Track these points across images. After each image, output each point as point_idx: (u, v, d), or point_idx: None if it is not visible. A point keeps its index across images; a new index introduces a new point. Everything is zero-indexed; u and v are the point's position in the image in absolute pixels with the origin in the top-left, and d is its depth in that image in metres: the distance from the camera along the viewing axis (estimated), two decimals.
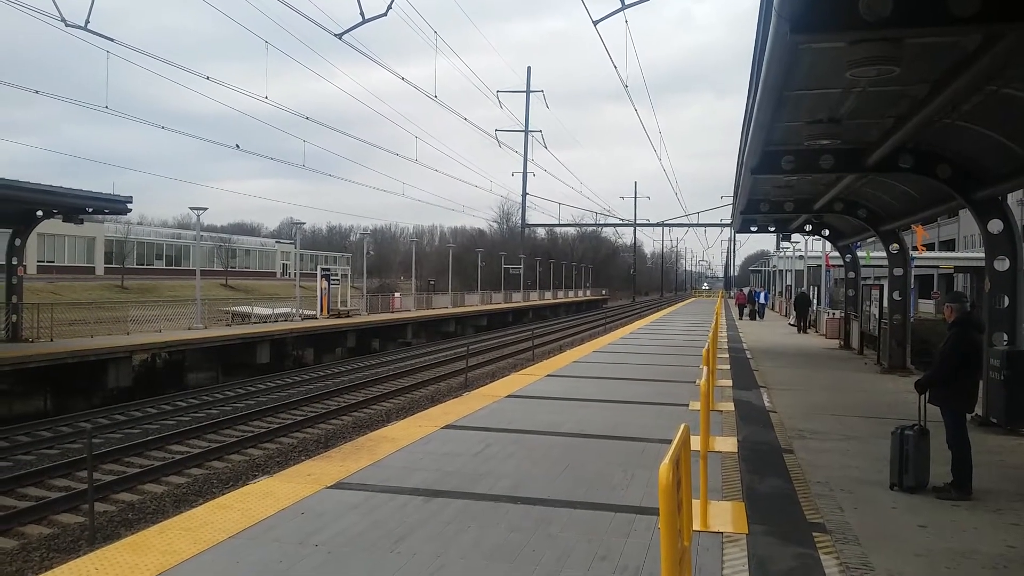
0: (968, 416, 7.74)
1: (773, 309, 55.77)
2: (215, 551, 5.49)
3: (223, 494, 7.52)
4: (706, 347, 9.58)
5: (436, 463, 8.19)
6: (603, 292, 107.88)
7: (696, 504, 6.29)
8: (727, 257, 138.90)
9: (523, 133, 78.90)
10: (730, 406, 12.11)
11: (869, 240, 29.17)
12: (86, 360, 19.95)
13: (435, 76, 49.62)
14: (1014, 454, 9.50)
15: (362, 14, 12.52)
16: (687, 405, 11.99)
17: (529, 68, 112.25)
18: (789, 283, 52.87)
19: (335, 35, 13.80)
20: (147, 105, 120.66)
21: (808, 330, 32.56)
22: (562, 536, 5.91)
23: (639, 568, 5.27)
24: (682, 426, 3.98)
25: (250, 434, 16.25)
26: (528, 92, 79.43)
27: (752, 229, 25.69)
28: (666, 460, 3.25)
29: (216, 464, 14.08)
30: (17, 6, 15.44)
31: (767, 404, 12.67)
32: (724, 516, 6.42)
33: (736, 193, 19.05)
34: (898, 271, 18.51)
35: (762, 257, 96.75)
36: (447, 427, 10.17)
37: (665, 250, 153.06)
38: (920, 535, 6.25)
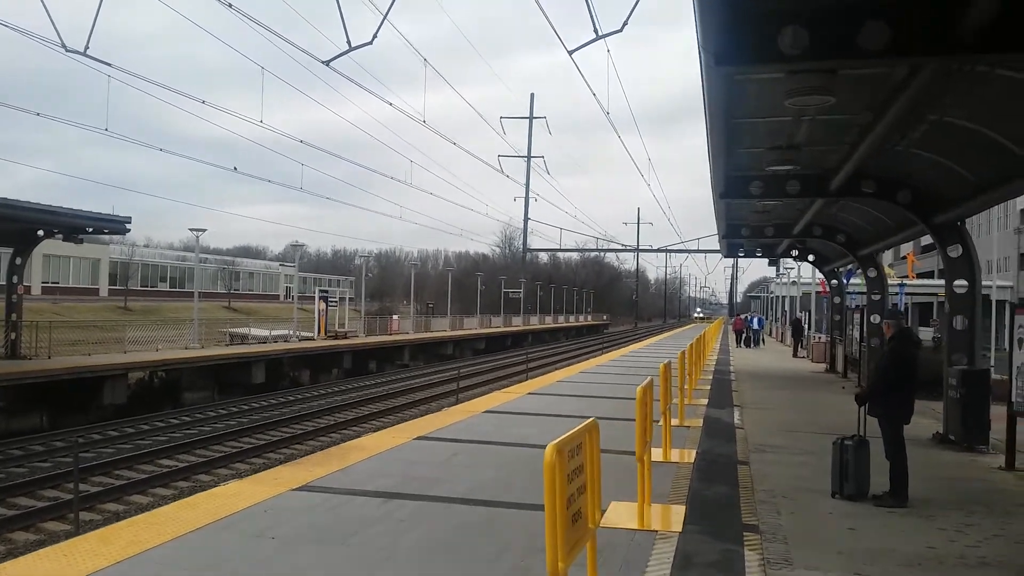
0: (905, 427, 8.08)
1: (771, 335, 55.93)
2: (177, 542, 5.87)
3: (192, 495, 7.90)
4: (663, 363, 9.95)
5: (402, 469, 8.57)
6: (604, 317, 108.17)
7: (634, 506, 6.69)
8: (731, 283, 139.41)
9: (525, 159, 79.69)
10: (698, 422, 12.45)
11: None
12: (82, 377, 20.38)
13: (423, 102, 49.95)
14: (964, 469, 9.83)
15: (349, 42, 13.12)
16: (658, 421, 12.30)
17: (532, 95, 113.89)
18: (786, 309, 53.11)
19: (323, 62, 14.37)
20: (155, 129, 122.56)
21: (799, 353, 32.99)
22: (504, 532, 6.29)
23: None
24: (590, 419, 4.41)
25: (238, 449, 16.63)
26: (531, 118, 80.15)
27: (739, 254, 26.14)
28: (556, 440, 3.67)
29: (203, 477, 14.44)
30: (21, 31, 16.06)
31: (736, 421, 13.01)
32: (662, 517, 6.78)
33: (716, 219, 19.50)
34: (876, 295, 18.90)
35: (763, 283, 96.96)
36: (419, 438, 10.55)
37: (668, 276, 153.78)
38: (846, 536, 6.61)
